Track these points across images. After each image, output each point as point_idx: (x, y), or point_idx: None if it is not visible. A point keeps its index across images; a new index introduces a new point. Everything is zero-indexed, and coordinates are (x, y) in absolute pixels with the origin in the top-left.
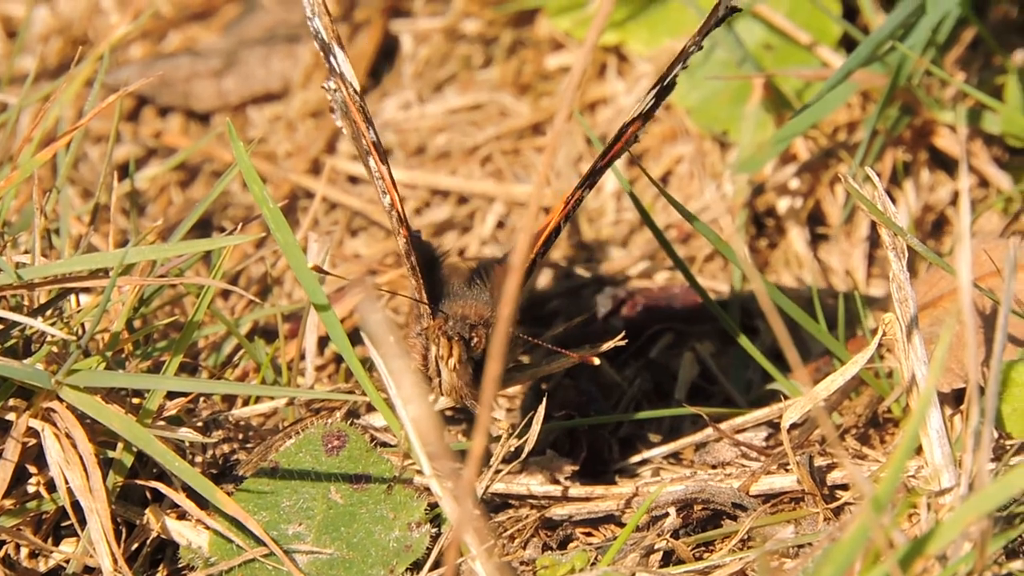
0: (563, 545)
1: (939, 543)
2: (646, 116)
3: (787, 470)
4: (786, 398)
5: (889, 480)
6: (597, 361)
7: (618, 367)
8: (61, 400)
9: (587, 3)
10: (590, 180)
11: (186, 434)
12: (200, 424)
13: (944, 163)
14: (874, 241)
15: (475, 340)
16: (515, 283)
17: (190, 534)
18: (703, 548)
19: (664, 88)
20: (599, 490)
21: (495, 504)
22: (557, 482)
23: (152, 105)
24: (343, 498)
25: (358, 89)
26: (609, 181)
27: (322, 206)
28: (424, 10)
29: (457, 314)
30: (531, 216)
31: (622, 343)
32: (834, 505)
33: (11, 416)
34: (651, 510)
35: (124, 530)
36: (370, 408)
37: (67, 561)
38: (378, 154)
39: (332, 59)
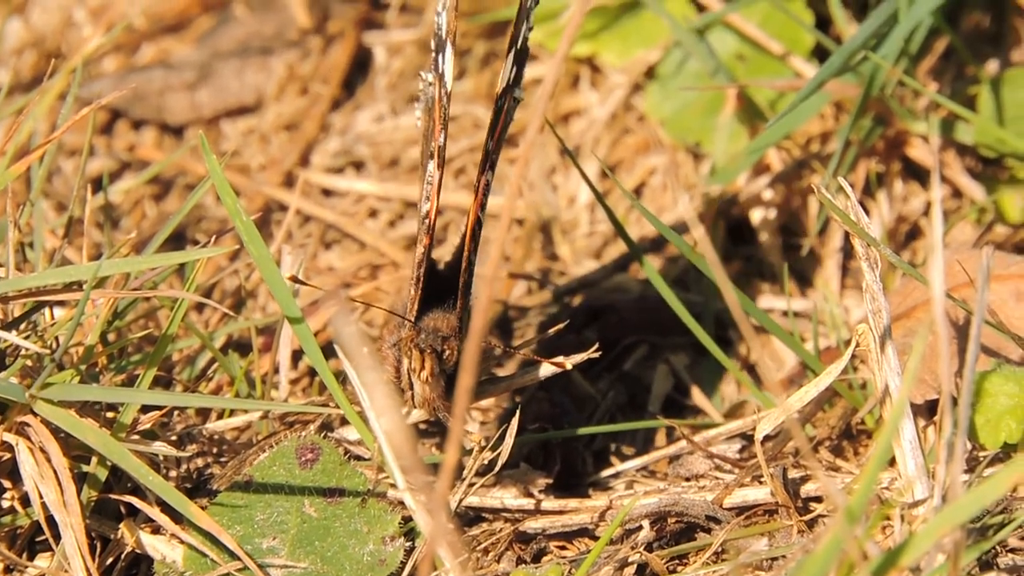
0: (537, 558)
1: (912, 555)
2: (513, 84)
3: (761, 482)
4: (760, 410)
5: (862, 492)
6: (570, 366)
7: (592, 379)
8: (35, 414)
9: (559, 15)
10: (488, 162)
11: (160, 448)
12: (174, 438)
13: (917, 174)
14: (848, 252)
15: (447, 352)
16: (488, 295)
17: (164, 548)
18: (677, 561)
19: (519, 52)
20: (573, 503)
21: (469, 517)
22: (531, 495)
23: (126, 118)
24: (317, 512)
25: (449, 92)
26: (583, 193)
27: (296, 219)
28: (397, 22)
29: (429, 326)
30: (503, 228)
31: (596, 355)
32: (808, 517)
33: None
34: (625, 523)
35: (99, 544)
36: (344, 421)
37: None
38: (440, 159)
39: (440, 56)
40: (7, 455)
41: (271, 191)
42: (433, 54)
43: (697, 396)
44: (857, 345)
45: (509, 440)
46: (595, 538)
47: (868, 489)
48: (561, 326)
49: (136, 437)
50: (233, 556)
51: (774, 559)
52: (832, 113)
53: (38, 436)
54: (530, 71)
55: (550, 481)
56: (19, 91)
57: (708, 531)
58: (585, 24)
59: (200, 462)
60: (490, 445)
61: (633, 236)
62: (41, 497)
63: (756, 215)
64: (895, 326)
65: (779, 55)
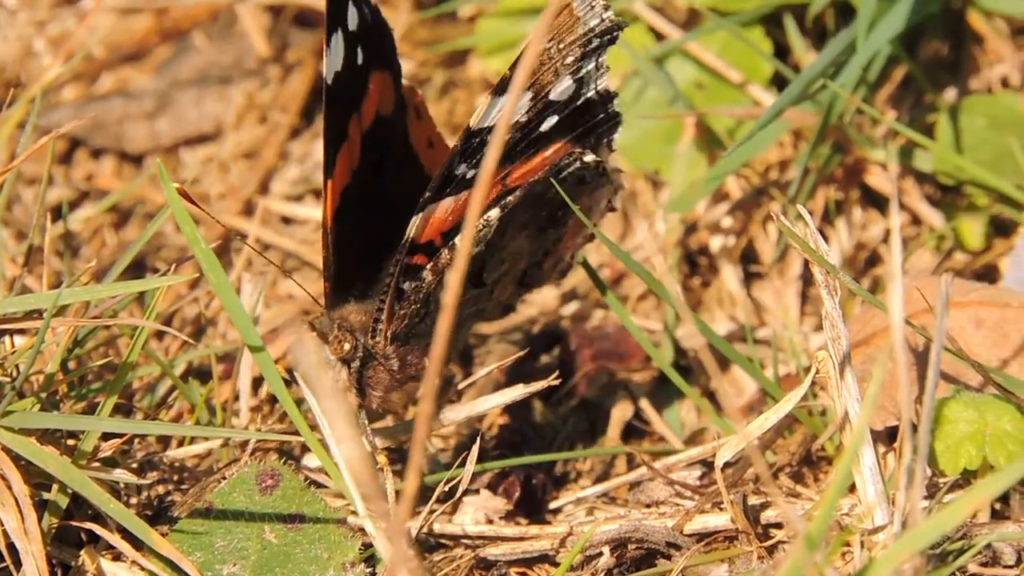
0: None
1: None
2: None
3: (721, 509)
4: (720, 437)
5: (822, 518)
6: (530, 392)
7: (552, 406)
8: None
9: (518, 44)
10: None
11: (121, 475)
12: (135, 465)
13: (876, 201)
14: (807, 279)
15: (333, 344)
16: (448, 322)
17: (125, 575)
18: None
19: None
20: (533, 530)
21: (429, 544)
22: (491, 522)
23: (85, 147)
24: (277, 538)
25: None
26: None
27: (256, 246)
28: None
29: (339, 315)
30: (462, 257)
31: (556, 382)
32: (768, 543)
33: None
34: (585, 549)
35: (60, 572)
36: (305, 449)
37: None
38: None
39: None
40: None
41: (230, 219)
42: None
43: (657, 423)
44: (817, 372)
45: (470, 467)
46: (556, 564)
47: (828, 515)
48: (521, 353)
49: (97, 465)
50: None
51: None
52: (791, 141)
53: None
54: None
55: (511, 507)
56: None
57: (668, 557)
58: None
59: (161, 489)
60: (451, 472)
61: (593, 263)
62: (2, 525)
63: (715, 242)
64: (855, 353)
65: (738, 83)
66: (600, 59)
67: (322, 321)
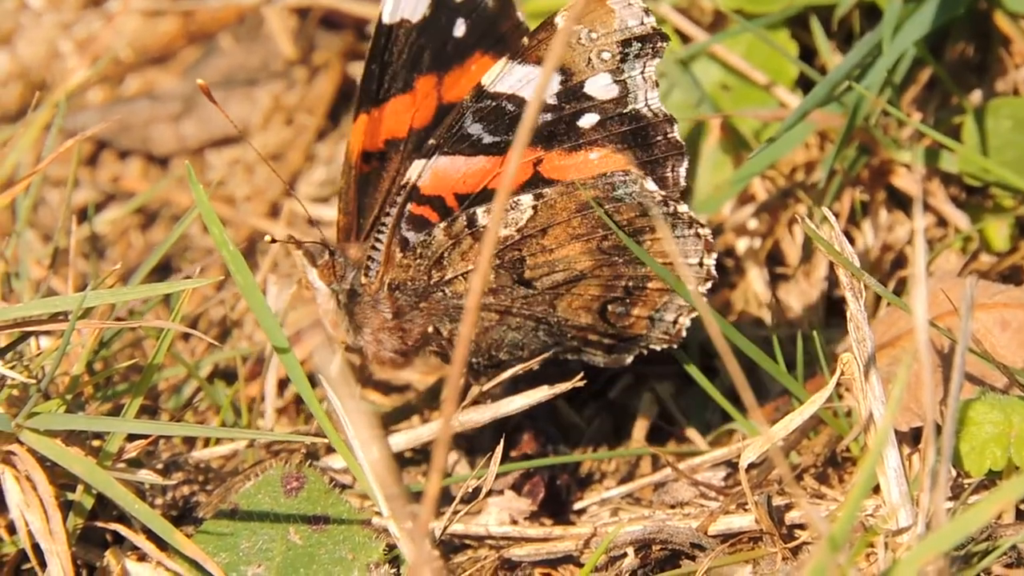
0: None
1: None
2: None
3: (745, 510)
4: (744, 438)
5: (846, 519)
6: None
7: (577, 408)
8: (21, 443)
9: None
10: None
11: (146, 476)
12: (160, 466)
13: (902, 203)
14: (833, 281)
15: (321, 267)
16: (471, 324)
17: None
18: None
19: None
20: (557, 530)
21: (454, 545)
22: (515, 522)
23: (111, 149)
24: (302, 539)
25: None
26: None
27: (281, 249)
28: None
29: (340, 247)
30: (485, 259)
31: (581, 384)
32: (792, 544)
33: None
34: (609, 550)
35: (84, 572)
36: (329, 450)
37: None
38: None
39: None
40: None
41: (256, 221)
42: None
43: (682, 424)
44: (842, 374)
45: (494, 467)
46: (580, 565)
47: (852, 516)
48: (546, 355)
49: (122, 465)
50: None
51: None
52: (817, 143)
53: (24, 465)
54: None
55: (535, 508)
56: (4, 123)
57: (693, 558)
58: None
59: (186, 490)
60: (475, 472)
61: None
62: (27, 525)
63: (741, 244)
64: (880, 355)
65: (763, 85)
66: (646, 70)
67: (317, 247)
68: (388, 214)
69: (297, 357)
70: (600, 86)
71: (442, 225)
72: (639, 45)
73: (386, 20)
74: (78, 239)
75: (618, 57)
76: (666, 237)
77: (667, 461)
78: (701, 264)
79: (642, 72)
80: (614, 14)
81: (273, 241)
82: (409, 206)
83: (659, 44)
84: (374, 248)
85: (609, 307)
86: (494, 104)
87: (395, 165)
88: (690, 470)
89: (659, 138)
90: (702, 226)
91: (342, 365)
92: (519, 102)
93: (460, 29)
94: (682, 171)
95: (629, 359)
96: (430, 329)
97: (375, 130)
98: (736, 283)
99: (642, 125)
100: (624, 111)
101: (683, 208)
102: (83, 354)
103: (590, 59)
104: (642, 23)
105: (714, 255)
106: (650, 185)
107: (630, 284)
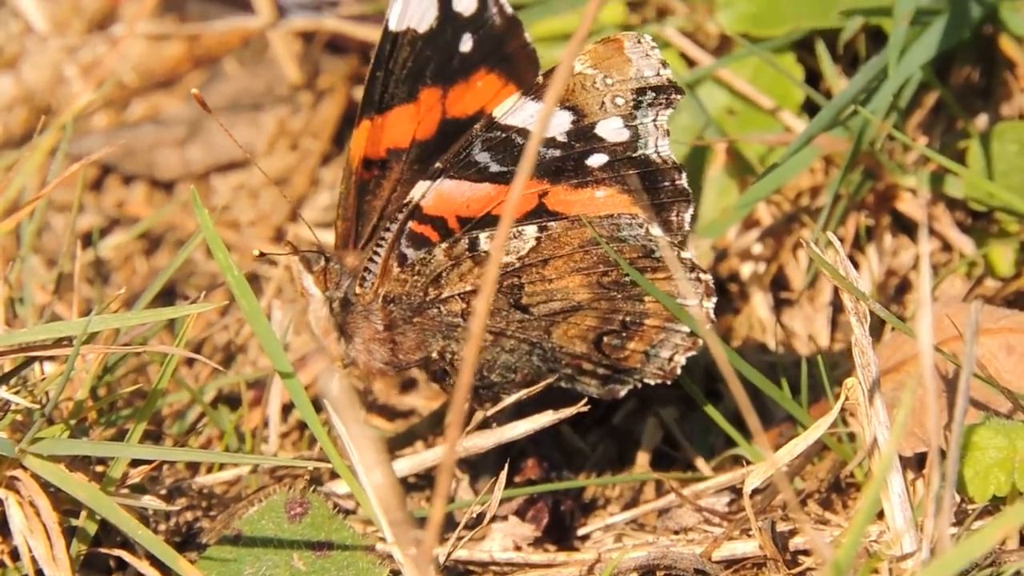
0: None
1: None
2: None
3: (749, 535)
4: (748, 463)
5: (850, 545)
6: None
7: (581, 433)
8: (25, 468)
9: (549, 70)
10: None
11: (150, 502)
12: (164, 492)
13: (907, 227)
14: (837, 306)
15: (317, 273)
16: (474, 349)
17: None
18: None
19: None
20: (561, 556)
21: (457, 571)
22: (519, 548)
23: (116, 174)
24: (306, 565)
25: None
26: None
27: (286, 274)
28: None
29: (338, 255)
30: (488, 284)
31: (584, 409)
32: (796, 570)
33: None
34: None
35: None
36: (333, 475)
37: None
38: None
39: None
40: None
41: (261, 246)
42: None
43: (686, 449)
44: (846, 399)
45: (498, 493)
46: None
47: (856, 542)
48: (550, 380)
49: (125, 491)
50: None
51: None
52: (822, 167)
53: (28, 490)
54: None
55: (539, 534)
56: (9, 147)
57: None
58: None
59: (189, 516)
60: (479, 498)
61: None
62: (31, 551)
63: (746, 269)
64: (885, 379)
65: (769, 110)
66: (659, 119)
67: (315, 255)
68: (388, 228)
69: (301, 382)
70: (611, 129)
71: (443, 245)
72: (653, 95)
73: (392, 27)
74: (82, 264)
75: (631, 104)
76: (679, 279)
77: (671, 487)
78: (700, 306)
79: (654, 120)
80: (631, 63)
81: (262, 255)
82: (411, 223)
83: (673, 96)
84: (371, 260)
85: (605, 338)
86: (504, 136)
87: (396, 174)
88: (694, 496)
89: (666, 183)
90: (703, 271)
91: (346, 390)
92: (529, 136)
93: (467, 44)
94: (687, 216)
95: (623, 392)
96: (421, 343)
97: (377, 137)
98: (740, 308)
99: (650, 170)
100: (633, 155)
101: (686, 254)
102: (87, 379)
103: (603, 103)
104: (658, 74)
105: (713, 299)
106: (655, 230)
107: (627, 319)
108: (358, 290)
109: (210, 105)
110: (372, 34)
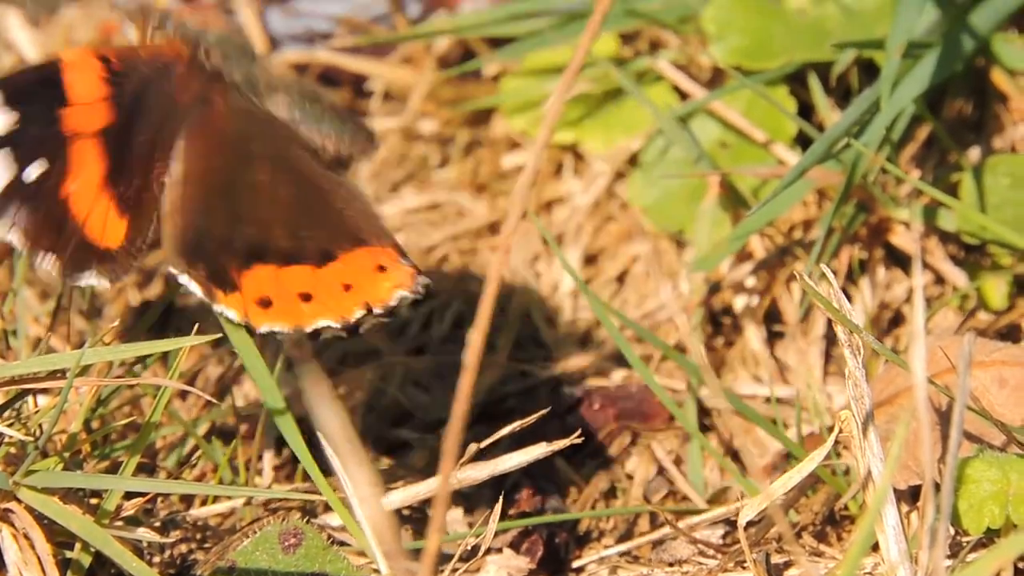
0: None
1: None
2: None
3: (744, 568)
4: (743, 496)
5: None
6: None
7: (575, 466)
8: (19, 500)
9: (542, 103)
10: None
11: (144, 534)
12: (158, 524)
13: (900, 260)
14: (831, 339)
15: None
16: (468, 382)
17: None
18: None
19: None
20: None
21: None
22: None
23: None
24: None
25: None
26: (566, 280)
27: None
28: (380, 110)
29: None
30: (484, 316)
31: (579, 441)
32: None
33: None
34: None
35: None
36: (327, 507)
37: None
38: None
39: None
40: None
41: None
42: None
43: (680, 482)
44: (840, 431)
45: (492, 525)
46: None
47: (851, 574)
48: (543, 412)
49: (120, 523)
50: None
51: None
52: (815, 200)
53: (22, 522)
54: (514, 158)
55: (533, 566)
56: None
57: None
58: (568, 112)
59: (184, 548)
60: (473, 531)
61: (616, 323)
62: None
63: (739, 302)
64: (879, 412)
65: (762, 143)
66: None
67: None
68: None
69: (293, 416)
70: None
71: None
72: None
73: None
74: (76, 297)
75: None
76: None
77: (666, 519)
78: None
79: None
80: None
81: None
82: None
83: None
84: None
85: None
86: None
87: None
88: (688, 528)
89: None
90: None
91: (341, 422)
92: None
93: None
94: None
95: None
96: None
97: None
98: (734, 341)
99: None
100: None
101: None
102: (81, 412)
103: None
104: None
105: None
106: None
107: None
108: None
109: None
110: (365, 66)
